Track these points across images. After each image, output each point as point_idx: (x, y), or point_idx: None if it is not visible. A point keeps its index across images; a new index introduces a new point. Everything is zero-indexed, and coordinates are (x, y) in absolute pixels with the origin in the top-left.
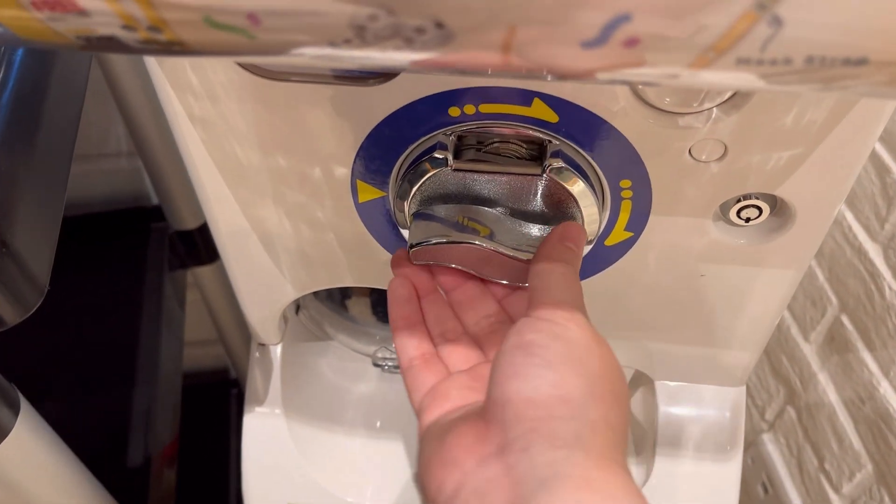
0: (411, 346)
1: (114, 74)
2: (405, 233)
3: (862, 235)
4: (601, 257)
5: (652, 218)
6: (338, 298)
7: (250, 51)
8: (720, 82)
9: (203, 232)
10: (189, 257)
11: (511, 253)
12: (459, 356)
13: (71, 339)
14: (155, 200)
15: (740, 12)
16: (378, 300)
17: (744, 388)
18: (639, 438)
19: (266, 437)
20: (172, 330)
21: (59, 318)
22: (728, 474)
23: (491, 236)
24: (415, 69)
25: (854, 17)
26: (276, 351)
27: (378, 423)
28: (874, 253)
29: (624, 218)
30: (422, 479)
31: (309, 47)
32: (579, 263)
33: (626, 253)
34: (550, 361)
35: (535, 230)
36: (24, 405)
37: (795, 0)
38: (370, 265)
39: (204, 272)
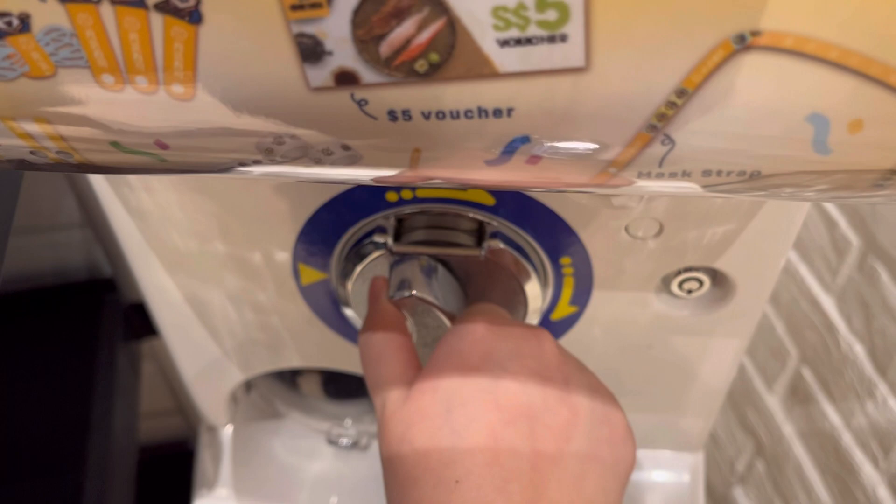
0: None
1: None
2: (349, 312)
3: (815, 288)
4: (549, 331)
5: (595, 293)
6: (288, 376)
7: (164, 170)
8: (648, 190)
9: None
10: (144, 328)
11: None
12: None
13: (20, 416)
14: (108, 272)
15: (633, 134)
16: (329, 377)
17: (701, 452)
18: None
19: None
20: (127, 403)
21: (7, 394)
22: None
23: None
24: (332, 182)
25: (739, 136)
26: (226, 433)
27: (335, 502)
28: (828, 305)
29: (567, 293)
30: None
31: (222, 167)
32: None
33: (572, 326)
34: None
35: None
36: None
37: (684, 122)
38: (317, 346)
39: (160, 343)
